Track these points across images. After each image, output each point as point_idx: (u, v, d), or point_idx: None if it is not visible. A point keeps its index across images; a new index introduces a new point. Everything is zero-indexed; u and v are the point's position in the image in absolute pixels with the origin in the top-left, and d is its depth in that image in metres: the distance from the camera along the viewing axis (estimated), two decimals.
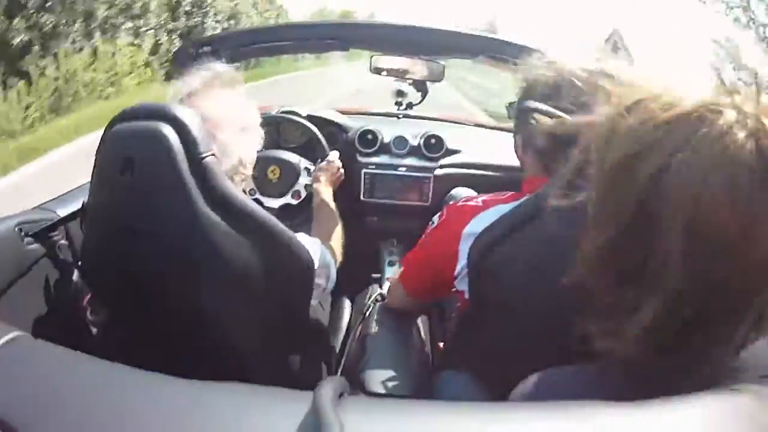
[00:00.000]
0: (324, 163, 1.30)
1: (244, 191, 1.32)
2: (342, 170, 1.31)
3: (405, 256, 1.01)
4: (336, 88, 10.21)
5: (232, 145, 0.82)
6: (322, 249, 0.90)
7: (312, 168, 1.40)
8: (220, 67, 0.88)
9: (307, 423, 0.34)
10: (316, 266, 0.83)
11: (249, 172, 0.88)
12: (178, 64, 1.34)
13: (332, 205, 1.19)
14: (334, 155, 1.32)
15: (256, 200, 1.41)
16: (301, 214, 1.38)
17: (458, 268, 0.82)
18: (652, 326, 0.40)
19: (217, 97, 0.83)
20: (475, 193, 0.92)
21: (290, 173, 1.42)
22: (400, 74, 1.70)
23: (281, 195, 1.42)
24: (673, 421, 0.36)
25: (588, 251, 0.45)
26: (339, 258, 1.03)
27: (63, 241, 0.91)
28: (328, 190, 1.23)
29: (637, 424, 0.36)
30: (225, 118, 0.81)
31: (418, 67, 1.65)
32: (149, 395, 0.39)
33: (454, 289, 0.87)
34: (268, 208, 1.41)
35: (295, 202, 1.42)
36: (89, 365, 0.43)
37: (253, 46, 1.34)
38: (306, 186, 1.41)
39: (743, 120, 0.37)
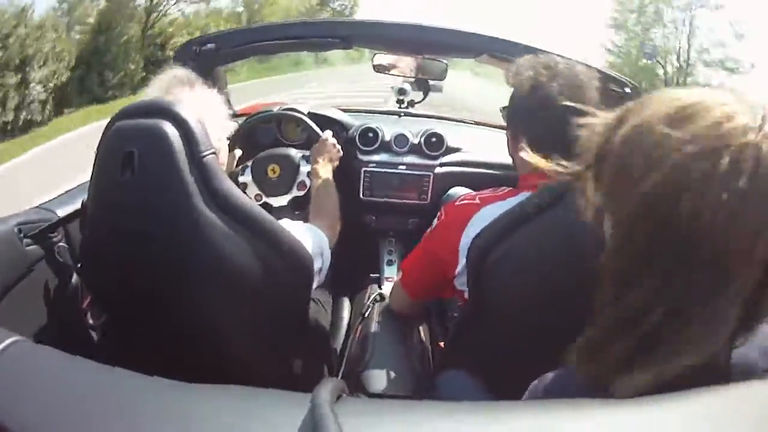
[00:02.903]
0: (317, 144, 1.29)
1: (247, 194, 1.32)
2: (338, 146, 1.30)
3: (404, 260, 1.01)
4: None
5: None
6: (312, 232, 0.89)
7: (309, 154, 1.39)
8: (177, 71, 0.89)
9: (305, 425, 0.33)
10: (311, 250, 0.83)
11: (224, 158, 0.89)
12: (180, 62, 1.34)
13: (331, 182, 1.18)
14: (327, 134, 1.31)
15: (265, 204, 1.41)
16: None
17: (459, 267, 0.82)
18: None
19: (184, 98, 0.84)
20: (472, 192, 0.92)
21: (290, 167, 1.42)
22: (401, 72, 1.70)
23: (287, 191, 1.42)
24: (676, 416, 0.35)
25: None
26: (336, 232, 1.02)
27: (62, 243, 0.91)
28: (326, 168, 1.22)
29: (641, 420, 0.35)
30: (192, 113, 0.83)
31: (420, 66, 1.65)
32: (148, 399, 0.39)
33: (454, 289, 0.87)
34: (277, 208, 1.42)
35: (301, 193, 1.41)
36: (88, 370, 0.43)
37: (256, 44, 1.33)
38: (309, 174, 1.39)
39: None
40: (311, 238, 0.86)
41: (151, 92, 0.84)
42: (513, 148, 0.88)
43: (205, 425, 0.36)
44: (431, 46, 1.44)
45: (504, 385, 0.50)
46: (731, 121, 0.38)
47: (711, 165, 0.37)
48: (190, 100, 0.82)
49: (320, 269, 0.88)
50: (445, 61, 1.65)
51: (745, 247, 0.37)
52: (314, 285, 0.85)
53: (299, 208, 1.38)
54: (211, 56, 1.27)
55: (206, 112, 0.82)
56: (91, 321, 0.94)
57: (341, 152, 1.30)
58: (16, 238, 0.82)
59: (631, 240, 0.42)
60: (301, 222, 0.91)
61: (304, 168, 1.40)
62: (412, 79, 1.81)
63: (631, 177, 0.41)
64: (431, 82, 1.80)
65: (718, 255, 0.38)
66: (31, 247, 0.85)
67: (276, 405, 0.38)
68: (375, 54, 1.67)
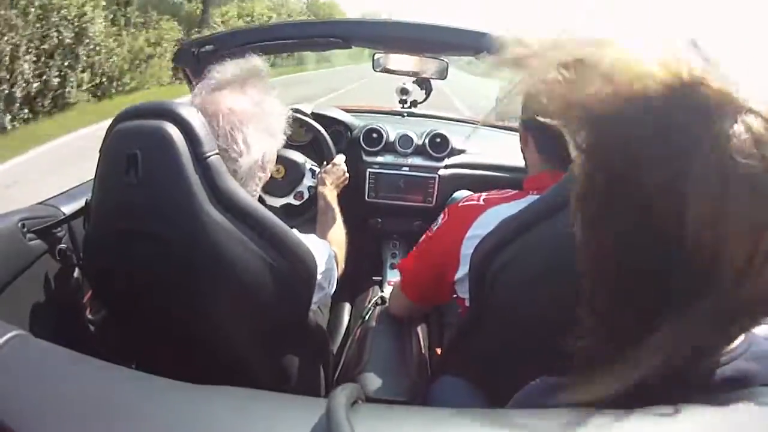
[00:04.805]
0: (329, 166, 1.29)
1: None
2: (347, 174, 1.31)
3: (403, 260, 1.00)
4: None
5: (255, 142, 0.80)
6: (330, 252, 0.89)
7: (317, 170, 1.39)
8: (257, 61, 0.85)
9: (320, 430, 0.33)
10: (323, 269, 0.82)
11: (269, 173, 0.87)
12: (180, 64, 1.34)
13: (337, 210, 1.18)
14: (340, 158, 1.32)
15: (259, 198, 1.40)
16: (302, 215, 1.37)
17: (459, 272, 0.81)
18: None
19: (250, 93, 0.81)
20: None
21: (295, 173, 1.41)
22: (402, 72, 1.69)
23: (284, 194, 1.41)
24: (671, 429, 0.35)
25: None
26: (341, 264, 1.02)
27: (65, 240, 0.90)
28: (333, 194, 1.22)
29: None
30: (254, 115, 0.80)
31: (421, 65, 1.64)
32: (151, 399, 0.38)
33: (455, 295, 0.86)
34: (269, 207, 1.41)
35: (297, 202, 1.41)
36: (90, 367, 0.42)
37: (256, 44, 1.32)
38: (309, 188, 1.39)
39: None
40: (326, 261, 0.85)
41: (217, 76, 0.80)
42: (523, 143, 0.88)
43: (212, 427, 0.35)
44: (431, 45, 1.43)
45: (501, 394, 0.49)
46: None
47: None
48: (230, 103, 0.78)
49: (327, 293, 0.88)
50: (445, 60, 1.64)
51: (728, 250, 0.34)
52: (314, 306, 0.85)
53: (289, 216, 1.37)
54: (210, 58, 1.26)
55: (248, 117, 0.79)
56: (90, 316, 0.94)
57: (348, 179, 1.31)
58: (19, 233, 0.82)
59: (602, 242, 0.40)
60: (328, 244, 0.91)
61: (308, 180, 1.40)
62: (414, 79, 1.80)
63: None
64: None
65: (697, 257, 0.35)
66: (33, 243, 0.85)
67: (290, 409, 0.38)
68: (375, 53, 1.67)
